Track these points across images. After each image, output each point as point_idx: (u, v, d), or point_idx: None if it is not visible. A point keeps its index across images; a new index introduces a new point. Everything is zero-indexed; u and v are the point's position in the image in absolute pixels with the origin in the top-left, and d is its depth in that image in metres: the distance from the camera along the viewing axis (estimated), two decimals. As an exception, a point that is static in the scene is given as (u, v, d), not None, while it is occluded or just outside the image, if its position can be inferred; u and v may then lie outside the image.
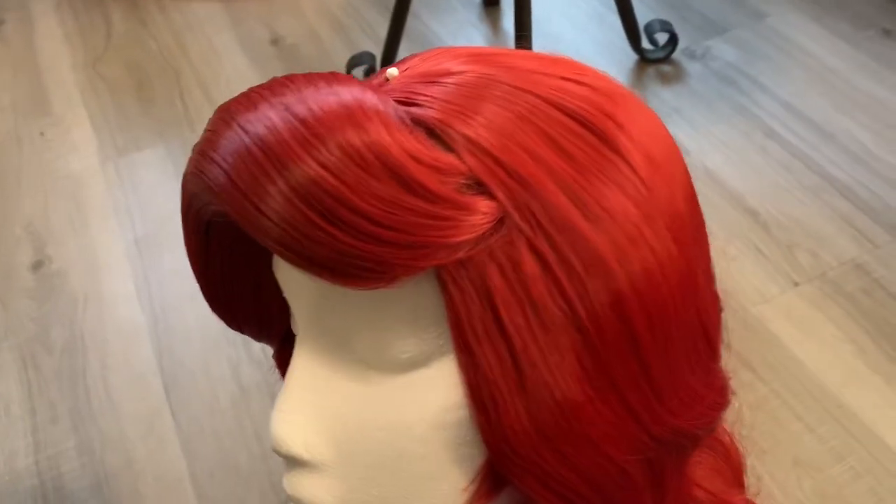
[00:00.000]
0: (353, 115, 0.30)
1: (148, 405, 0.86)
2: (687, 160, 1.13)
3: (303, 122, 0.30)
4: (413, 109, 0.33)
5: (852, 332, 0.87)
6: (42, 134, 1.22)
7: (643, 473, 0.36)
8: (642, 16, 1.26)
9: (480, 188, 0.32)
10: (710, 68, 1.23)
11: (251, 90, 0.33)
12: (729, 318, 0.92)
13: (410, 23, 1.34)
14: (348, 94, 0.31)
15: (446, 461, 0.35)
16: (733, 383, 0.83)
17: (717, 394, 0.38)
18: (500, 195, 0.32)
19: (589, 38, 1.30)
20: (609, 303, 0.32)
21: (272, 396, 0.86)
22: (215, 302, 0.42)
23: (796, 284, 0.92)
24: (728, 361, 0.86)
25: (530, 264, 0.31)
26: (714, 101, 1.17)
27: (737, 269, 0.94)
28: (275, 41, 1.35)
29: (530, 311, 0.31)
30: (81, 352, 0.91)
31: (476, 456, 0.35)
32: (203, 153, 0.32)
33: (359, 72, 1.23)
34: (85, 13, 1.45)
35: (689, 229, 0.36)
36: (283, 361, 0.49)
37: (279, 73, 1.27)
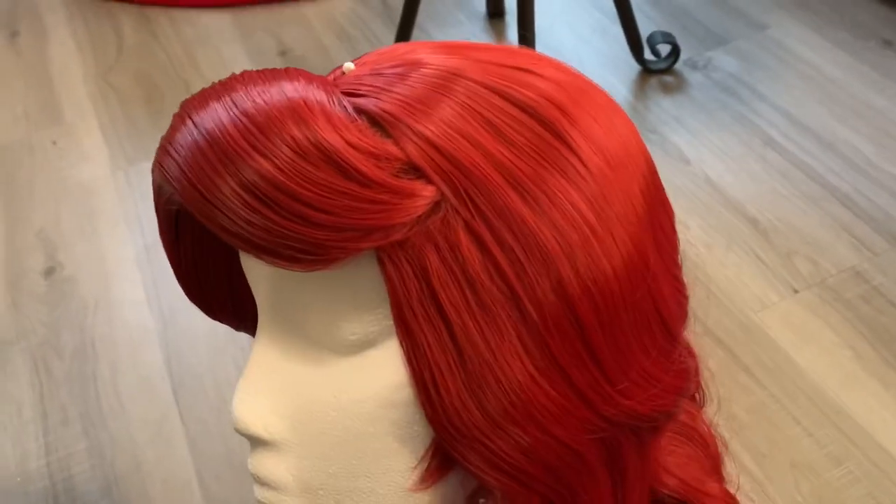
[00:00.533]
0: (294, 109, 0.32)
1: (156, 408, 0.87)
2: (688, 168, 1.15)
3: (247, 115, 0.32)
4: (357, 100, 0.34)
5: (851, 338, 0.88)
6: (54, 143, 1.24)
7: (597, 455, 0.36)
8: (645, 27, 1.28)
9: (418, 173, 0.33)
10: (712, 79, 1.24)
11: (209, 87, 0.35)
12: (729, 324, 0.94)
13: (416, 35, 1.36)
14: (292, 88, 0.33)
15: (396, 440, 0.36)
16: (732, 387, 0.84)
17: (675, 377, 0.38)
18: (436, 179, 0.33)
19: (592, 50, 1.32)
20: (550, 286, 0.33)
21: (278, 400, 0.87)
22: (190, 290, 0.44)
23: (796, 291, 0.93)
24: (727, 366, 0.87)
25: (467, 245, 0.32)
26: (715, 110, 1.19)
27: (737, 276, 0.95)
28: (283, 52, 1.38)
29: (468, 290, 0.32)
30: (92, 356, 0.93)
31: (425, 435, 0.36)
32: (163, 147, 0.34)
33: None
34: (96, 25, 1.48)
35: (643, 220, 0.36)
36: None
37: (287, 84, 1.30)
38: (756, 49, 1.29)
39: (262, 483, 0.39)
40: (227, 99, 0.33)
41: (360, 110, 0.34)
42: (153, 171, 0.35)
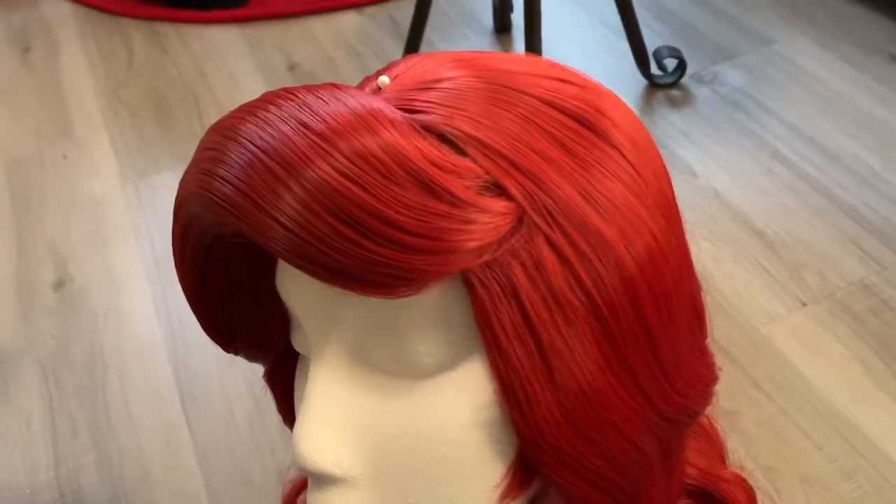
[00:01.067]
0: (365, 121, 0.30)
1: (165, 420, 0.88)
2: (695, 182, 1.15)
3: (315, 131, 0.30)
4: (417, 116, 0.33)
5: (860, 351, 0.88)
6: (65, 157, 1.25)
7: (656, 452, 0.37)
8: (651, 42, 1.29)
9: (498, 190, 0.32)
10: (718, 93, 1.25)
11: (249, 106, 0.32)
12: (738, 338, 0.94)
13: (424, 49, 1.37)
14: (355, 101, 0.31)
15: (480, 460, 0.35)
16: (742, 401, 0.84)
17: (710, 370, 0.40)
18: (517, 195, 0.32)
19: (599, 64, 1.33)
20: (622, 289, 0.33)
21: (286, 412, 0.87)
22: (211, 326, 0.41)
23: (804, 304, 0.93)
24: (736, 379, 0.87)
25: (550, 259, 0.32)
26: (722, 124, 1.19)
27: (745, 290, 0.95)
28: (291, 67, 1.39)
29: (554, 305, 0.32)
30: (101, 368, 0.94)
31: (507, 452, 0.35)
32: (208, 172, 0.31)
33: (373, 96, 1.26)
34: (107, 41, 1.50)
35: (675, 210, 0.37)
36: (277, 379, 0.48)
37: (295, 98, 1.31)
38: (762, 63, 1.29)
39: None
40: (286, 115, 0.30)
41: (424, 126, 0.33)
42: (189, 202, 0.32)
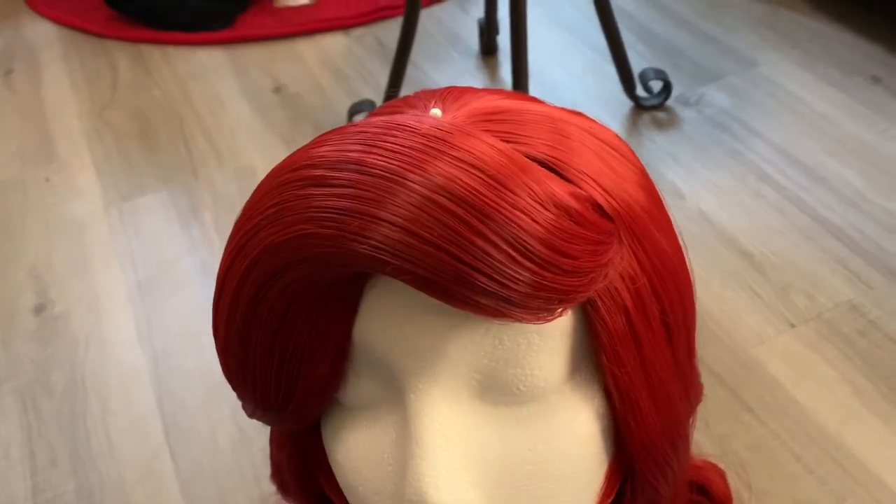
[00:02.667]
0: (514, 160, 0.32)
1: (147, 448, 0.86)
2: (682, 203, 1.15)
3: (482, 171, 0.30)
4: (517, 147, 0.34)
5: (849, 373, 0.88)
6: (47, 179, 1.24)
7: (687, 441, 0.41)
8: (637, 64, 1.29)
9: (602, 212, 0.34)
10: (704, 114, 1.25)
11: (357, 135, 0.31)
12: (727, 360, 0.93)
13: (410, 71, 1.37)
14: (491, 139, 0.32)
15: (589, 473, 0.37)
16: (733, 424, 0.83)
17: (696, 369, 0.44)
18: (615, 216, 0.35)
19: (585, 87, 1.33)
20: (677, 296, 0.37)
21: (272, 439, 0.86)
22: (269, 391, 0.36)
23: (792, 326, 0.93)
24: (727, 402, 0.86)
25: (639, 275, 0.35)
26: (708, 146, 1.19)
27: (733, 311, 0.95)
28: (277, 89, 1.38)
29: (644, 316, 0.35)
30: (82, 394, 0.92)
31: (605, 461, 0.38)
32: (365, 213, 0.29)
33: (360, 118, 1.25)
34: (92, 62, 1.49)
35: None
36: (300, 444, 0.45)
37: (282, 121, 1.30)
38: (747, 85, 1.30)
39: None
40: (438, 153, 0.30)
41: (528, 157, 0.34)
42: (286, 246, 0.30)
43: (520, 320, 0.31)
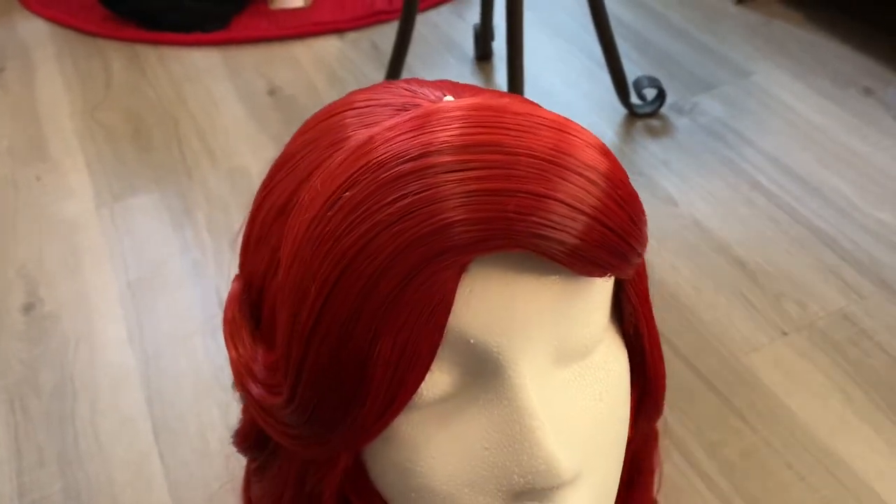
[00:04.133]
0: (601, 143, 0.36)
1: (137, 449, 0.85)
2: (675, 210, 1.15)
3: (600, 149, 0.34)
4: None
5: (841, 381, 0.88)
6: (38, 178, 1.23)
7: None
8: (631, 72, 1.30)
9: None
10: (698, 123, 1.26)
11: (480, 124, 0.31)
12: (719, 367, 0.94)
13: (406, 75, 1.37)
14: (559, 117, 0.36)
15: (628, 408, 0.40)
16: (725, 431, 0.83)
17: None
18: None
19: (579, 93, 1.33)
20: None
21: (262, 442, 0.85)
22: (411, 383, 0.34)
23: (784, 334, 0.93)
24: (719, 409, 0.86)
25: None
26: (701, 154, 1.20)
27: (726, 318, 0.95)
28: (272, 92, 1.38)
29: (642, 275, 0.40)
30: (71, 395, 0.91)
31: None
32: (518, 191, 0.30)
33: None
34: (85, 62, 1.48)
35: None
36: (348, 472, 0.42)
37: (276, 124, 1.30)
38: (741, 95, 1.31)
39: None
40: (575, 140, 0.33)
41: None
42: (445, 233, 0.29)
43: (624, 276, 0.35)
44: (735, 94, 1.31)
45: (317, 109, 1.36)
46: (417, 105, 0.37)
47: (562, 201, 0.31)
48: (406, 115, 0.33)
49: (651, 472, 0.50)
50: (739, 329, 0.94)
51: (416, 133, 0.32)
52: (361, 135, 0.35)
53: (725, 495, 0.78)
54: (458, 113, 0.32)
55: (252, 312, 0.39)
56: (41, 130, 1.33)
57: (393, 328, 0.31)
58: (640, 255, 0.35)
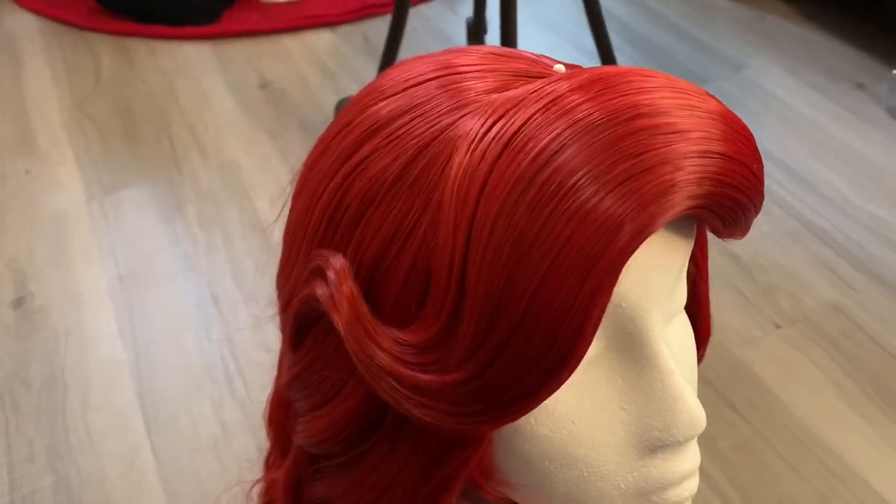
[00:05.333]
0: None
1: (128, 443, 0.84)
2: (669, 204, 1.14)
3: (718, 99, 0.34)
4: None
5: (834, 373, 0.88)
6: (27, 172, 1.22)
7: None
8: (625, 65, 1.29)
9: None
10: (690, 117, 1.26)
11: (660, 87, 0.33)
12: (713, 360, 0.93)
13: (397, 69, 1.37)
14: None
15: None
16: (719, 423, 0.83)
17: None
18: None
19: (572, 87, 1.33)
20: None
21: (254, 436, 0.84)
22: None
23: (778, 327, 0.93)
24: (713, 401, 0.86)
25: None
26: (694, 148, 1.20)
27: (720, 312, 0.95)
28: (263, 85, 1.37)
29: None
30: (61, 389, 0.90)
31: None
32: (724, 153, 0.32)
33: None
34: (73, 55, 1.47)
35: None
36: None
37: (267, 117, 1.29)
38: (735, 89, 1.31)
39: (696, 471, 0.38)
40: (677, 88, 0.34)
41: None
42: (657, 199, 0.31)
43: (746, 230, 0.37)
44: (728, 89, 1.31)
45: (309, 103, 1.36)
46: (540, 73, 0.36)
47: (747, 165, 0.33)
48: (579, 78, 0.33)
49: None
50: (733, 322, 0.94)
51: (611, 96, 0.32)
52: (515, 95, 0.33)
53: (719, 487, 0.78)
54: (634, 77, 0.33)
55: (365, 293, 0.35)
56: (30, 124, 1.31)
57: (606, 293, 0.31)
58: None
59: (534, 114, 0.32)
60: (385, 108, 0.36)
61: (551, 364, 0.32)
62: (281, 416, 0.46)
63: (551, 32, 1.47)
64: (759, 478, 0.79)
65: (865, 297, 0.96)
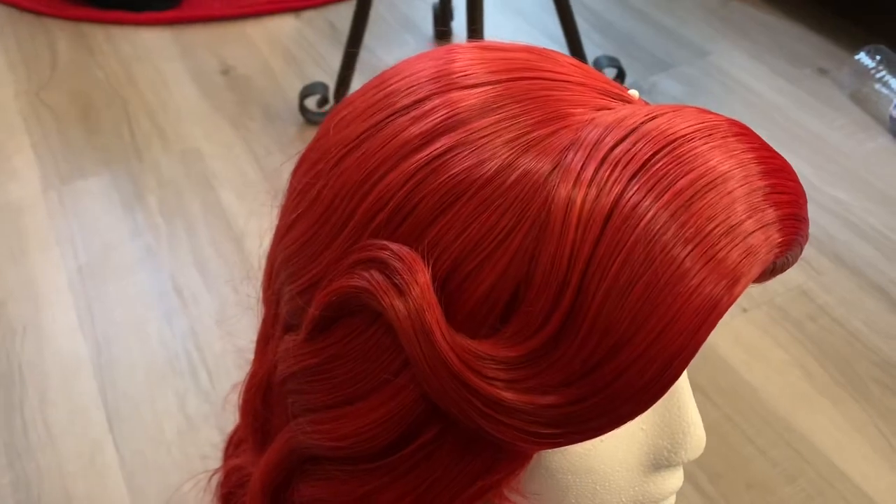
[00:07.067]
0: None
1: (89, 439, 0.82)
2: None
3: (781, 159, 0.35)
4: None
5: (800, 356, 0.89)
6: (-19, 161, 1.18)
7: None
8: (591, 52, 1.29)
9: None
10: (657, 102, 1.26)
11: (744, 142, 0.34)
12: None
13: (363, 56, 1.35)
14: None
15: None
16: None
17: None
18: None
19: (539, 73, 1.33)
20: None
21: (220, 428, 0.83)
22: None
23: (745, 310, 0.94)
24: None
25: None
26: (661, 133, 1.20)
27: (687, 296, 0.95)
28: (225, 71, 1.35)
29: None
30: (19, 384, 0.88)
31: None
32: (792, 216, 0.33)
33: (312, 101, 1.23)
34: (29, 42, 1.43)
35: None
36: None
37: (230, 104, 1.27)
38: (699, 74, 1.31)
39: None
40: (765, 149, 0.34)
41: None
42: (782, 247, 0.32)
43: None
44: (693, 74, 1.31)
45: (272, 90, 1.33)
46: (621, 95, 0.37)
47: (804, 220, 0.34)
48: (695, 118, 0.34)
49: None
50: (700, 306, 0.94)
51: (711, 145, 0.32)
52: (623, 119, 0.33)
53: (688, 471, 0.78)
54: (720, 123, 0.34)
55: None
56: (-17, 112, 1.28)
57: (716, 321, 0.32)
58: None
59: (662, 148, 0.32)
60: (465, 100, 0.34)
61: (649, 398, 0.31)
62: (258, 403, 0.43)
63: (519, 18, 1.46)
64: (728, 461, 0.79)
65: (830, 280, 0.97)
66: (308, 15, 1.48)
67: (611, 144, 0.31)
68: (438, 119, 0.33)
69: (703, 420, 0.82)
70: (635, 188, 0.31)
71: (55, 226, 1.07)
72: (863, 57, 1.26)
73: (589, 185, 0.31)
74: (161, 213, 1.08)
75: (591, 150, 0.31)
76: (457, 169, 0.32)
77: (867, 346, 0.90)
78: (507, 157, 0.32)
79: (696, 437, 0.37)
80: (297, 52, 1.39)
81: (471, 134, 0.32)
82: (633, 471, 0.38)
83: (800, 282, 0.97)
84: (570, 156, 0.31)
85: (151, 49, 1.40)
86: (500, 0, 1.51)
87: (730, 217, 0.31)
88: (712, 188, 0.31)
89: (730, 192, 0.31)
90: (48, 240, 1.05)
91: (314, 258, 0.36)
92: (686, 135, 0.32)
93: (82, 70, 1.35)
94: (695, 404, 0.38)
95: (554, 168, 0.31)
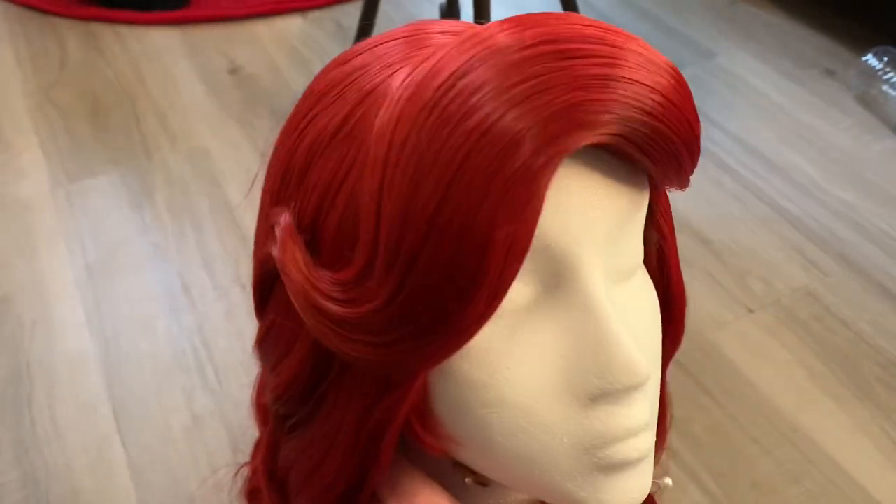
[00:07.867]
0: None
1: (96, 434, 0.83)
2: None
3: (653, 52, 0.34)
4: None
5: (805, 357, 0.89)
6: (-10, 159, 1.19)
7: None
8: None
9: None
10: (663, 103, 1.26)
11: (579, 23, 0.33)
12: (686, 344, 0.94)
13: (370, 55, 1.35)
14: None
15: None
16: (692, 408, 0.84)
17: None
18: None
19: (546, 73, 1.33)
20: None
21: (226, 425, 0.83)
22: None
23: (750, 311, 0.94)
24: (686, 386, 0.87)
25: None
26: (667, 134, 1.20)
27: (692, 296, 0.95)
28: (233, 70, 1.35)
29: None
30: (27, 380, 0.88)
31: None
32: (631, 79, 0.31)
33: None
34: (39, 40, 1.43)
35: None
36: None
37: (237, 103, 1.27)
38: (706, 76, 1.31)
39: (644, 429, 0.36)
40: (632, 38, 0.33)
41: None
42: (617, 105, 0.31)
43: (683, 186, 0.36)
44: (699, 75, 1.31)
45: (280, 89, 1.34)
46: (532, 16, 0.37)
47: (662, 94, 0.32)
48: (509, 19, 0.33)
49: (665, 406, 0.48)
50: (705, 306, 0.94)
51: (522, 27, 0.32)
52: (442, 40, 0.34)
53: (693, 471, 0.78)
54: (563, 15, 0.33)
55: (306, 242, 0.36)
56: (-7, 110, 1.28)
57: (509, 214, 0.30)
58: (695, 165, 0.36)
59: (451, 49, 0.32)
60: (342, 68, 0.37)
61: (458, 290, 0.31)
62: (265, 398, 0.45)
63: (525, 19, 1.47)
64: (733, 461, 0.79)
65: (836, 282, 0.97)
66: (315, 14, 1.49)
67: (418, 62, 0.34)
68: (319, 89, 0.38)
69: (708, 420, 0.82)
70: (419, 88, 0.31)
71: (63, 223, 1.08)
72: (870, 58, 1.26)
73: (387, 105, 0.33)
74: (169, 211, 1.09)
75: (403, 73, 0.34)
76: (317, 127, 0.36)
77: (872, 347, 0.90)
78: (352, 105, 0.35)
79: (623, 356, 0.34)
80: (304, 51, 1.39)
81: (335, 94, 0.36)
82: (565, 404, 0.35)
83: (805, 283, 0.97)
84: (390, 87, 0.34)
85: (160, 48, 1.41)
86: (508, 0, 1.51)
87: (503, 83, 0.30)
88: (485, 62, 0.31)
89: (510, 60, 0.30)
90: (56, 237, 1.06)
91: (256, 240, 0.41)
92: (479, 31, 0.32)
93: (91, 69, 1.36)
94: (620, 326, 0.34)
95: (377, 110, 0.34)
